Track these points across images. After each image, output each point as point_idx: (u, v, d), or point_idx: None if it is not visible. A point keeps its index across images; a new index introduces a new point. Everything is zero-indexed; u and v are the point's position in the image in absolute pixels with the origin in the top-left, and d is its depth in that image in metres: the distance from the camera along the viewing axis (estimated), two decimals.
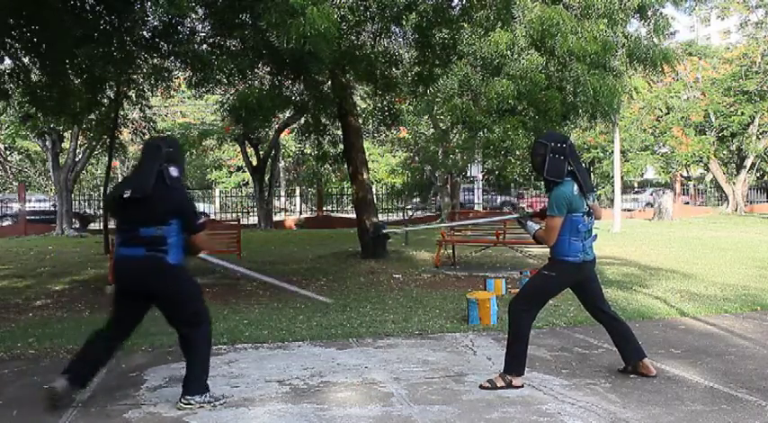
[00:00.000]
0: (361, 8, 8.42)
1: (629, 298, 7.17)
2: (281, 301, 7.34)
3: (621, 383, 4.16)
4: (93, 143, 17.74)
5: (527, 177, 28.88)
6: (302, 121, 12.80)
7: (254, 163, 22.08)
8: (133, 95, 11.92)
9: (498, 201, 28.96)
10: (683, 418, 3.55)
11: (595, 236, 4.22)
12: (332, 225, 21.42)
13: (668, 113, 25.08)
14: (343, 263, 10.56)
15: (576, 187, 4.02)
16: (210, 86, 9.67)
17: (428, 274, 9.36)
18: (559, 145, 4.06)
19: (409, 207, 27.08)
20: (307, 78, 9.40)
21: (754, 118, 24.25)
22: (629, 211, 26.89)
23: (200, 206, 22.47)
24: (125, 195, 3.78)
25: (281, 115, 16.11)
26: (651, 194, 27.54)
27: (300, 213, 28.07)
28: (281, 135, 22.17)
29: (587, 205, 4.11)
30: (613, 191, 19.86)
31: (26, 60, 8.92)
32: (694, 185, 33.98)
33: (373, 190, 14.28)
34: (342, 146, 11.81)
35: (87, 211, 24.94)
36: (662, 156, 26.10)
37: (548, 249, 4.17)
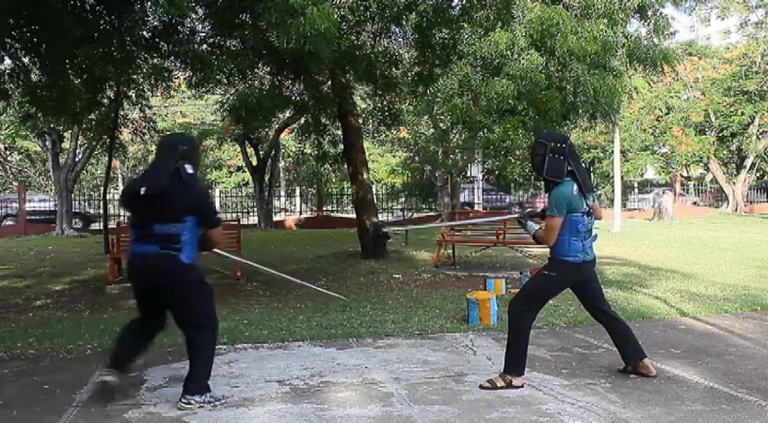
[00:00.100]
0: (361, 8, 8.42)
1: (629, 298, 7.17)
2: (281, 301, 7.35)
3: (621, 383, 4.16)
4: (93, 143, 17.74)
5: (527, 177, 28.89)
6: (302, 121, 12.80)
7: (254, 163, 22.07)
8: (133, 95, 11.91)
9: (507, 200, 28.86)
10: (683, 418, 3.55)
11: (595, 236, 4.22)
12: (332, 225, 21.41)
13: (668, 113, 25.07)
14: (343, 263, 10.56)
15: (575, 187, 4.03)
16: (210, 86, 9.67)
17: (428, 274, 9.36)
18: (559, 145, 4.06)
19: (401, 207, 27.04)
20: (307, 78, 9.40)
21: (754, 118, 24.24)
22: (639, 210, 26.92)
23: None
24: (141, 192, 3.78)
25: (281, 115, 16.11)
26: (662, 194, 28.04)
27: (300, 213, 28.06)
28: (281, 135, 22.16)
29: (587, 205, 4.11)
30: (613, 191, 19.85)
31: (26, 60, 8.91)
32: (694, 185, 33.97)
33: (373, 190, 14.28)
34: (342, 146, 11.81)
35: (90, 211, 24.95)
36: (662, 156, 26.09)
37: (548, 249, 4.17)
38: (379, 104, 12.23)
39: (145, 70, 9.98)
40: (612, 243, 13.38)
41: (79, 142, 19.82)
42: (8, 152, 29.99)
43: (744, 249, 12.16)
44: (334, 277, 9.12)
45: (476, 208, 26.38)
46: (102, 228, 15.30)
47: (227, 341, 5.42)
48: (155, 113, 17.99)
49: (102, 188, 17.75)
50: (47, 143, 19.95)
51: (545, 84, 7.22)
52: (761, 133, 25.15)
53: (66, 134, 19.67)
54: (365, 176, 11.29)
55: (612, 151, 20.75)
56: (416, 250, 12.23)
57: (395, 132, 21.27)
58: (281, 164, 30.65)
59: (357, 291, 8.01)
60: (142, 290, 4.01)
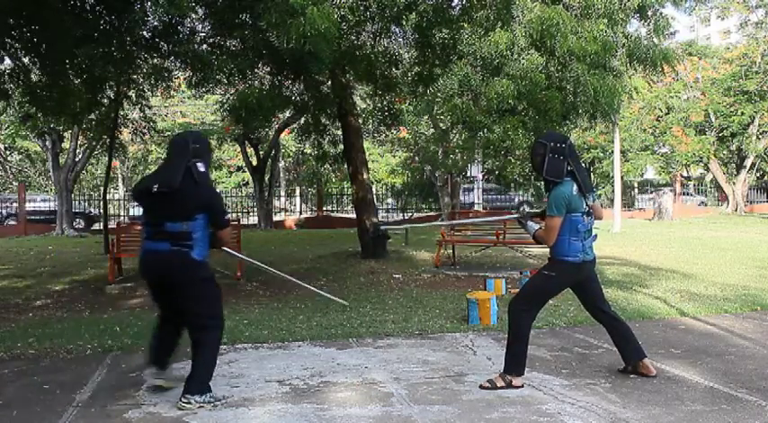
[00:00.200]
0: (361, 8, 8.42)
1: (629, 298, 7.17)
2: (281, 301, 7.35)
3: (621, 383, 4.16)
4: (93, 143, 17.74)
5: (527, 177, 28.88)
6: (302, 121, 12.79)
7: (254, 163, 22.08)
8: (133, 95, 11.91)
9: (516, 200, 28.86)
10: (683, 418, 3.55)
11: (595, 236, 4.22)
12: (332, 225, 21.42)
13: (668, 113, 25.07)
14: (343, 263, 10.56)
15: (575, 187, 4.02)
16: (210, 86, 9.67)
17: (428, 274, 9.36)
18: (559, 145, 4.06)
19: (387, 207, 27.06)
20: (307, 78, 9.40)
21: (754, 118, 24.24)
22: (642, 210, 26.95)
23: None
24: (153, 189, 3.82)
25: (281, 115, 16.11)
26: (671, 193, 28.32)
27: (300, 213, 28.06)
28: (281, 135, 22.16)
29: (587, 205, 4.11)
30: (614, 191, 19.85)
31: (26, 60, 8.91)
32: (695, 185, 33.98)
33: (373, 190, 14.28)
34: (342, 146, 11.81)
35: (92, 210, 24.98)
36: (662, 156, 26.09)
37: (548, 249, 4.17)
38: (379, 104, 12.23)
39: (145, 70, 9.97)
40: (612, 243, 13.38)
41: (79, 142, 19.83)
42: (8, 152, 30.00)
43: (744, 249, 12.16)
44: (334, 277, 9.12)
45: (476, 208, 26.36)
46: (101, 227, 15.30)
47: (227, 341, 5.41)
48: (155, 113, 18.00)
49: (102, 188, 17.76)
50: (47, 143, 19.96)
51: (545, 84, 7.23)
52: (761, 133, 25.15)
53: (66, 134, 19.68)
54: (365, 176, 11.29)
55: (612, 151, 20.76)
56: (416, 250, 12.23)
57: (395, 132, 21.26)
58: (281, 164, 30.67)
59: (357, 291, 8.01)
60: (155, 287, 4.06)
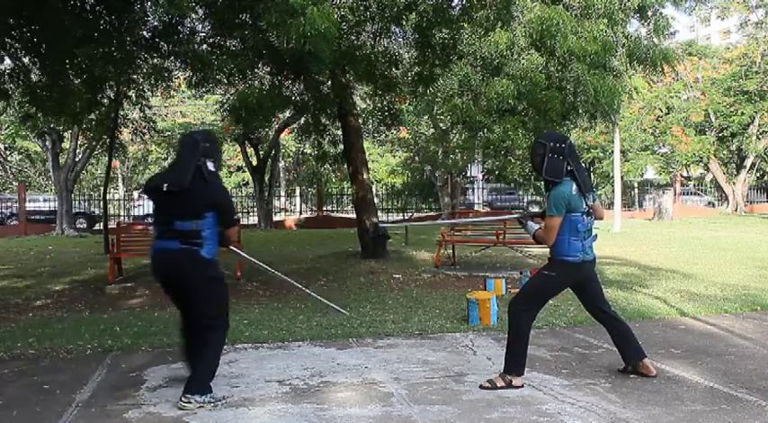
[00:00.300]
0: (361, 8, 8.42)
1: (629, 298, 7.17)
2: (281, 301, 7.35)
3: (621, 383, 4.16)
4: (93, 143, 17.73)
5: (527, 177, 28.87)
6: (302, 121, 12.79)
7: (254, 163, 22.08)
8: (133, 95, 11.90)
9: (525, 200, 28.83)
10: (683, 418, 3.55)
11: (595, 236, 4.22)
12: (332, 225, 21.42)
13: (668, 113, 25.07)
14: (343, 263, 10.56)
15: (574, 187, 4.02)
16: (210, 86, 9.66)
17: (428, 274, 9.36)
18: (558, 145, 4.06)
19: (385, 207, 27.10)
20: (307, 78, 9.40)
21: (754, 118, 24.24)
22: (644, 210, 26.96)
23: None
24: (163, 188, 3.86)
25: (281, 115, 16.11)
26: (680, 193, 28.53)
27: (300, 213, 28.07)
28: (281, 135, 22.16)
29: (587, 205, 4.11)
30: (614, 191, 19.85)
31: (26, 60, 8.91)
32: (695, 185, 33.97)
33: (373, 190, 14.28)
34: (342, 146, 11.81)
35: (94, 210, 25.01)
36: (662, 156, 26.09)
37: (548, 249, 4.17)
38: (379, 104, 12.23)
39: (145, 70, 9.97)
40: (612, 243, 13.38)
41: (79, 142, 19.82)
42: (8, 152, 29.99)
43: (744, 249, 12.16)
44: (334, 277, 9.11)
45: (476, 208, 26.38)
46: (101, 227, 15.30)
47: (228, 341, 5.39)
48: (155, 113, 17.98)
49: (102, 188, 17.75)
50: (47, 143, 19.95)
51: (545, 84, 7.23)
52: (761, 133, 25.16)
53: (66, 134, 19.67)
54: (365, 176, 11.29)
55: (612, 151, 20.76)
56: (416, 250, 12.23)
57: (395, 132, 21.27)
58: (281, 164, 30.68)
59: (357, 291, 8.01)
60: (166, 285, 4.11)
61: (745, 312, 6.46)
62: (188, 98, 26.23)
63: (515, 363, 4.10)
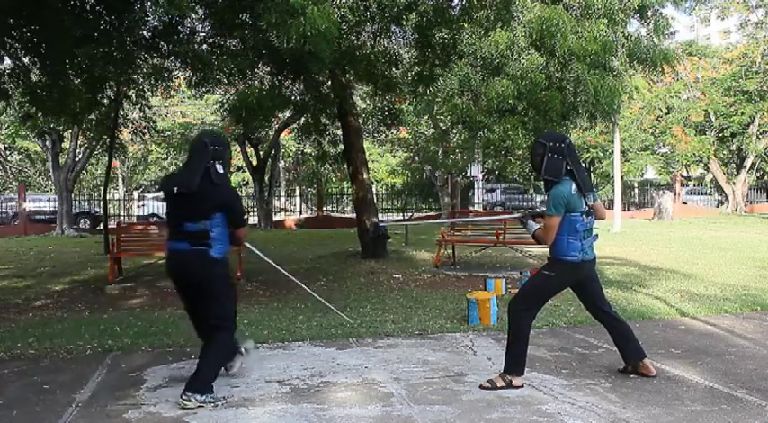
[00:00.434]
0: (361, 8, 8.42)
1: (629, 298, 7.17)
2: (281, 301, 7.35)
3: (621, 383, 4.16)
4: (93, 143, 17.72)
5: (527, 177, 28.88)
6: (302, 121, 12.79)
7: (254, 163, 22.08)
8: (133, 95, 11.90)
9: (538, 200, 28.78)
10: (683, 418, 3.55)
11: (596, 235, 4.22)
12: (332, 225, 21.42)
13: (668, 113, 25.07)
14: (343, 263, 10.56)
15: (574, 186, 4.02)
16: (210, 86, 9.66)
17: (428, 274, 9.36)
18: (558, 144, 4.06)
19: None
20: (307, 78, 9.39)
21: (754, 118, 24.23)
22: (643, 210, 26.97)
23: None
24: (174, 191, 3.98)
25: (281, 115, 16.11)
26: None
27: (300, 213, 28.07)
28: (281, 135, 22.16)
29: (586, 205, 4.11)
30: (614, 191, 19.85)
31: (26, 60, 8.91)
32: (701, 185, 33.94)
33: (373, 190, 14.28)
34: (342, 146, 11.81)
35: (97, 210, 25.04)
36: (662, 156, 26.09)
37: (548, 249, 4.17)
38: (379, 104, 12.22)
39: (145, 70, 9.96)
40: (612, 243, 13.38)
41: (79, 142, 19.82)
42: (8, 152, 29.98)
43: (744, 249, 12.16)
44: (334, 277, 9.11)
45: (476, 208, 26.37)
46: (101, 227, 15.29)
47: None
48: (155, 113, 17.97)
49: (102, 188, 17.74)
50: (47, 143, 19.95)
51: (545, 84, 7.22)
52: (761, 133, 25.15)
53: (66, 134, 19.66)
54: (365, 176, 11.29)
55: (612, 151, 20.76)
56: (416, 250, 12.23)
57: (395, 132, 21.26)
58: (281, 164, 30.67)
59: (357, 291, 8.01)
60: (178, 284, 4.20)
61: (745, 312, 6.46)
62: (188, 98, 26.22)
63: (515, 363, 4.10)
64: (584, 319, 5.78)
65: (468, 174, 25.91)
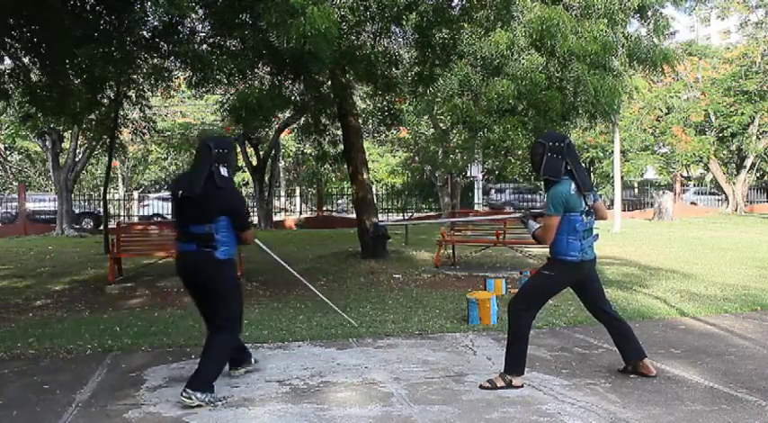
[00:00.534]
0: (361, 8, 8.42)
1: (629, 298, 7.17)
2: (281, 301, 7.35)
3: (621, 383, 4.16)
4: (93, 143, 17.72)
5: (527, 177, 28.88)
6: (302, 121, 12.79)
7: (254, 163, 22.08)
8: (133, 95, 11.89)
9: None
10: (683, 418, 3.55)
11: (596, 235, 4.22)
12: (332, 225, 21.42)
13: (668, 113, 25.06)
14: (343, 263, 10.56)
15: (573, 186, 4.02)
16: (210, 86, 9.66)
17: (428, 274, 9.36)
18: (557, 144, 4.06)
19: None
20: (307, 78, 9.39)
21: (754, 118, 24.22)
22: (642, 210, 26.98)
23: None
24: (179, 194, 4.06)
25: (281, 115, 16.11)
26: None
27: (300, 213, 28.07)
28: (281, 135, 22.16)
29: (586, 204, 4.10)
30: (613, 191, 19.85)
31: (26, 60, 8.91)
32: (701, 185, 33.92)
33: (373, 190, 14.27)
34: (342, 146, 11.81)
35: (100, 210, 25.05)
36: (662, 156, 26.08)
37: (548, 249, 4.18)
38: (379, 104, 12.22)
39: (145, 70, 9.96)
40: (612, 243, 13.39)
41: (79, 142, 19.81)
42: (8, 152, 29.97)
43: (744, 249, 12.16)
44: (334, 277, 9.11)
45: (476, 208, 26.37)
46: (101, 227, 15.29)
47: None
48: (155, 113, 17.96)
49: (102, 188, 17.74)
50: (47, 143, 19.95)
51: (545, 84, 7.22)
52: (761, 133, 25.13)
53: (66, 134, 19.65)
54: (365, 176, 11.29)
55: (612, 151, 20.75)
56: (416, 250, 12.23)
57: (395, 132, 21.26)
58: (281, 164, 30.66)
59: (357, 291, 8.01)
60: (187, 285, 4.26)
61: (745, 312, 6.46)
62: (188, 98, 26.19)
63: (515, 363, 4.10)
64: (584, 319, 5.78)
65: (468, 174, 25.90)
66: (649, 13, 8.18)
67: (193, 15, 8.28)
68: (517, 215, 4.71)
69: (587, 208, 4.11)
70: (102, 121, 12.99)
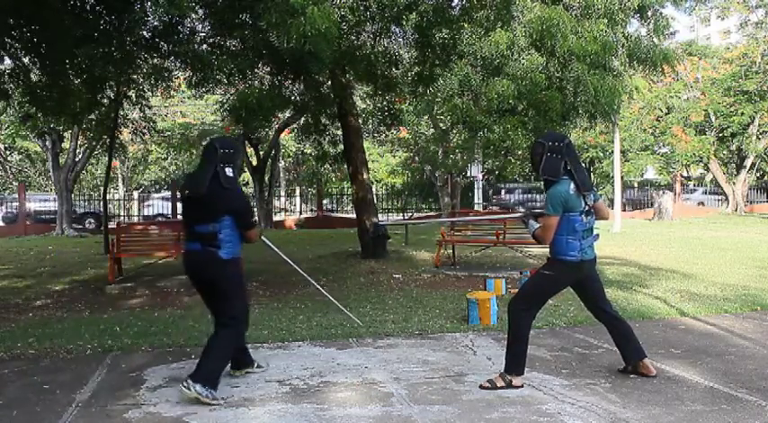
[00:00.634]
0: (361, 8, 8.41)
1: (629, 298, 7.17)
2: (281, 301, 7.35)
3: (621, 383, 4.16)
4: (93, 143, 17.72)
5: (527, 177, 28.88)
6: (302, 121, 12.78)
7: (254, 163, 22.08)
8: (133, 95, 11.90)
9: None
10: (683, 418, 3.55)
11: (597, 235, 4.22)
12: (332, 225, 21.42)
13: (668, 113, 25.06)
14: (343, 263, 10.56)
15: (572, 186, 4.02)
16: (210, 86, 9.66)
17: (428, 274, 9.36)
18: (556, 144, 4.06)
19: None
20: (307, 78, 9.39)
21: (754, 118, 24.22)
22: (641, 210, 26.99)
23: None
24: (185, 194, 4.16)
25: (281, 115, 16.11)
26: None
27: (300, 213, 28.07)
28: (281, 135, 22.16)
29: (586, 204, 4.10)
30: (613, 191, 19.84)
31: (26, 60, 8.91)
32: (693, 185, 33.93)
33: (373, 190, 14.27)
34: (342, 146, 11.81)
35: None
36: (662, 156, 26.07)
37: (548, 249, 4.18)
38: (379, 104, 12.22)
39: (145, 70, 9.96)
40: (612, 243, 13.39)
41: (79, 142, 19.82)
42: (8, 152, 29.97)
43: (744, 249, 12.15)
44: (334, 277, 9.11)
45: (475, 208, 26.37)
46: (101, 227, 15.28)
47: None
48: (155, 113, 17.96)
49: (102, 188, 17.74)
50: (47, 143, 19.95)
51: (545, 84, 7.22)
52: (761, 133, 25.13)
53: (66, 134, 19.66)
54: (365, 176, 11.29)
55: (612, 151, 20.75)
56: (416, 250, 12.23)
57: (395, 132, 21.26)
58: (281, 164, 30.66)
59: (357, 291, 8.01)
60: (194, 284, 4.33)
61: (745, 312, 6.46)
62: (188, 98, 26.20)
63: (515, 363, 4.10)
64: (584, 319, 5.78)
65: (468, 174, 25.90)
66: (649, 13, 8.18)
67: (193, 15, 8.29)
68: (518, 215, 4.72)
69: (587, 208, 4.11)
70: (102, 121, 12.99)
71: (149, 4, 7.59)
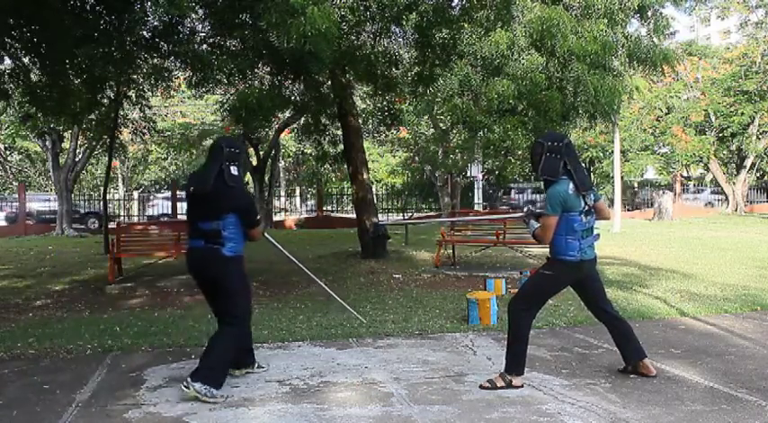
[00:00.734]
0: (361, 8, 8.41)
1: (629, 298, 7.17)
2: (281, 301, 7.35)
3: (621, 383, 4.16)
4: (93, 143, 17.73)
5: (527, 177, 28.88)
6: (302, 121, 12.79)
7: (254, 163, 22.07)
8: (133, 95, 11.90)
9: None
10: (683, 418, 3.55)
11: (597, 235, 4.22)
12: (332, 225, 21.42)
13: (668, 113, 25.06)
14: (343, 263, 10.56)
15: (571, 186, 4.02)
16: (210, 86, 9.66)
17: (428, 274, 9.36)
18: (556, 144, 4.06)
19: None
20: (307, 78, 9.39)
21: (754, 118, 24.22)
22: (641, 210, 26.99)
23: None
24: (190, 191, 4.18)
25: (281, 115, 16.11)
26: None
27: (300, 213, 28.07)
28: (281, 135, 22.16)
29: (586, 204, 4.10)
30: (613, 191, 19.85)
31: (26, 60, 8.91)
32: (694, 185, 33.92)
33: (373, 190, 14.28)
34: (342, 146, 11.81)
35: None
36: (662, 156, 26.08)
37: (548, 249, 4.18)
38: (379, 104, 12.22)
39: (145, 70, 9.96)
40: (612, 243, 13.38)
41: (79, 142, 19.82)
42: (8, 152, 29.97)
43: (744, 249, 12.16)
44: (334, 277, 9.11)
45: (475, 208, 26.37)
46: (102, 227, 15.28)
47: None
48: (155, 113, 17.97)
49: (102, 188, 17.74)
50: (47, 143, 19.95)
51: (545, 84, 7.22)
52: (761, 133, 25.13)
53: (66, 134, 19.67)
54: (365, 176, 11.29)
55: (612, 151, 20.75)
56: (416, 250, 12.23)
57: (395, 132, 21.26)
58: (281, 164, 30.66)
59: (357, 291, 8.01)
60: (197, 282, 4.35)
61: (745, 312, 6.46)
62: (188, 98, 26.21)
63: (515, 363, 4.10)
64: (584, 319, 5.78)
65: (468, 174, 25.91)
66: (649, 13, 8.18)
67: (193, 15, 8.29)
68: (518, 215, 4.72)
69: (586, 208, 4.11)
70: (102, 121, 12.99)
71: (149, 4, 7.59)
